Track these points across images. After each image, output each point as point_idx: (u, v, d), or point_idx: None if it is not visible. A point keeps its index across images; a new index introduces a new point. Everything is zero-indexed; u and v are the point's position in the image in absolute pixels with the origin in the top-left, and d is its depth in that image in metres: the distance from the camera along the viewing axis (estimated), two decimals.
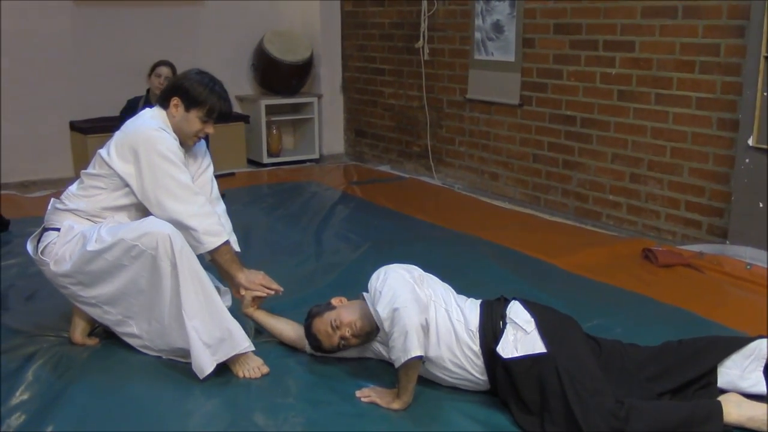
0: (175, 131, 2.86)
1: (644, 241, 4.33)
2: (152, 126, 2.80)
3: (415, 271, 2.65)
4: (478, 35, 5.45)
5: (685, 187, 4.30)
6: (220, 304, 2.73)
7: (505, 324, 2.51)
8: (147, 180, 2.75)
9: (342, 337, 2.65)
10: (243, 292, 2.93)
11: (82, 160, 5.86)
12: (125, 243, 2.64)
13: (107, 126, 5.80)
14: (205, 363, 2.63)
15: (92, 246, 2.69)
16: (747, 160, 3.84)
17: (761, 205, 3.81)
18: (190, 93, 2.82)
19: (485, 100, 5.50)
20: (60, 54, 6.01)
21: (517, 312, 2.55)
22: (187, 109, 2.82)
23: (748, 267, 3.75)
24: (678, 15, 4.20)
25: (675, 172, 4.34)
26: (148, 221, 2.70)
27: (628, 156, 4.58)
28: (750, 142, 3.80)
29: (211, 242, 2.78)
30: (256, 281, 2.93)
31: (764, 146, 3.74)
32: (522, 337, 2.46)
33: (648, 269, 3.91)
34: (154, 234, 2.63)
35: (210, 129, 2.89)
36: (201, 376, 2.64)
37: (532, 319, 2.50)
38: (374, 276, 2.60)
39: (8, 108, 5.77)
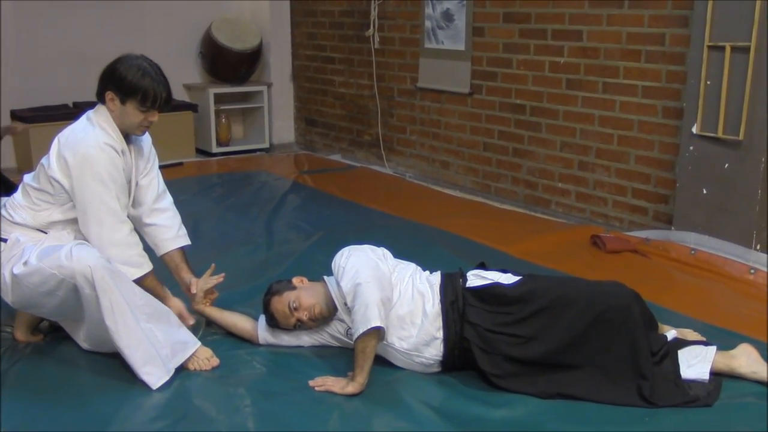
0: (118, 126, 2.71)
1: (592, 227, 4.40)
2: (92, 139, 2.64)
3: (378, 250, 2.77)
4: (428, 24, 5.45)
5: (632, 174, 4.37)
6: (161, 323, 2.63)
7: (465, 280, 2.68)
8: (77, 198, 2.65)
9: (299, 320, 2.72)
10: (193, 290, 2.91)
11: (24, 150, 5.71)
12: (45, 271, 2.53)
13: (50, 115, 5.69)
14: (151, 380, 2.56)
15: (18, 269, 2.58)
16: (691, 148, 3.92)
17: (705, 191, 3.89)
18: (121, 84, 2.63)
19: (436, 89, 5.50)
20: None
21: (477, 272, 2.74)
22: (123, 101, 2.65)
23: (693, 252, 3.84)
24: (624, 5, 4.26)
25: (622, 159, 4.41)
26: (73, 250, 2.53)
27: (576, 144, 4.64)
28: (694, 130, 3.87)
29: (130, 274, 2.68)
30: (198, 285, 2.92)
31: (708, 134, 3.81)
32: (484, 279, 2.68)
33: (596, 255, 3.97)
34: (70, 267, 2.49)
35: (153, 117, 2.71)
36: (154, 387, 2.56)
37: (493, 272, 2.73)
38: (338, 254, 2.71)
39: None
